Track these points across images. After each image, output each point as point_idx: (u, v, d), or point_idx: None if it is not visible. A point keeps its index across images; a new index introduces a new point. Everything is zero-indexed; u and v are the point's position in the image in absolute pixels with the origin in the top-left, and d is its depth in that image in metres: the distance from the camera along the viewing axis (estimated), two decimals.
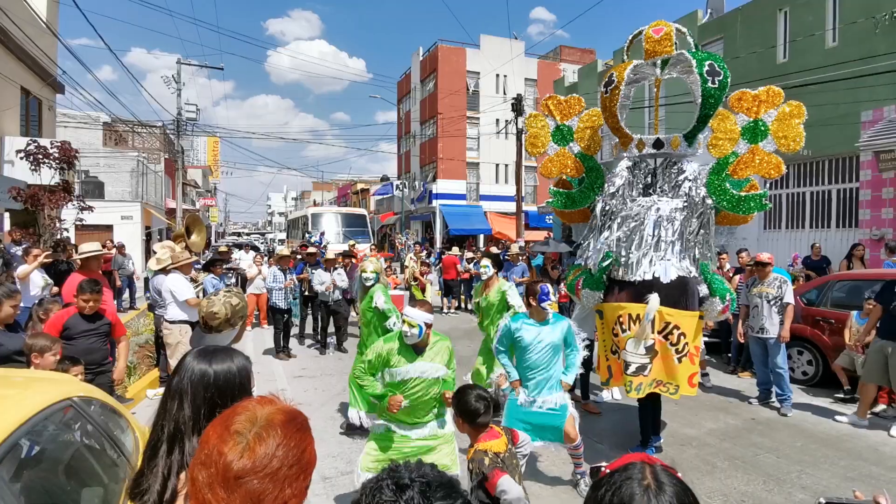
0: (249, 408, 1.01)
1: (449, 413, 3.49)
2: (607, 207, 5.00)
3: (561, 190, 5.54)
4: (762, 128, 4.82)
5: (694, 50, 4.85)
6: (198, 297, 6.47)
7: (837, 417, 5.82)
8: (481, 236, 29.51)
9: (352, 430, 5.36)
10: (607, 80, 4.80)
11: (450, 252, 15.28)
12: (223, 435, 0.96)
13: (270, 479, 0.92)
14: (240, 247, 17.88)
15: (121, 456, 2.27)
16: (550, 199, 5.53)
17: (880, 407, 6.00)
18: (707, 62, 4.51)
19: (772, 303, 6.30)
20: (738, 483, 4.38)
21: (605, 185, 5.14)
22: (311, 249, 10.98)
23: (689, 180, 4.80)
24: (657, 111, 5.51)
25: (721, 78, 4.48)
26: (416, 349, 3.44)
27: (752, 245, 9.74)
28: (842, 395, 6.48)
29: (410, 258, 14.40)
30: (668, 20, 4.89)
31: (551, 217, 24.29)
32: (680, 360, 4.62)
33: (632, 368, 4.63)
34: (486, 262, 5.77)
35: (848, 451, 5.00)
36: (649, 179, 5.07)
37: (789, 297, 6.26)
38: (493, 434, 2.70)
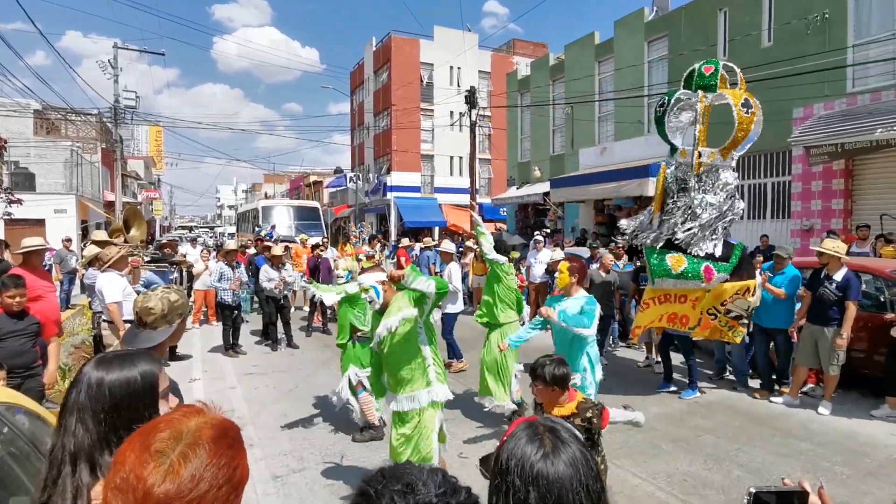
0: (174, 422, 0.90)
1: (431, 388, 3.46)
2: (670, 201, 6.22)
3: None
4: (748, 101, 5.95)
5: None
6: (137, 293, 6.17)
7: (772, 398, 6.16)
8: (436, 229, 29.52)
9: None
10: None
11: (400, 245, 15.18)
12: (142, 456, 0.85)
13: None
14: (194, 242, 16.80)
15: None
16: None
17: (808, 386, 6.39)
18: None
19: None
20: (680, 464, 4.57)
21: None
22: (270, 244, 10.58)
23: (730, 184, 6.02)
24: (705, 129, 6.28)
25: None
26: (383, 313, 3.57)
27: None
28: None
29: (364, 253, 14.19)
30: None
31: (505, 210, 24.57)
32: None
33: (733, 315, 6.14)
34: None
35: (781, 430, 5.31)
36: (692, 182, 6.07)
37: None
38: (573, 392, 2.92)
